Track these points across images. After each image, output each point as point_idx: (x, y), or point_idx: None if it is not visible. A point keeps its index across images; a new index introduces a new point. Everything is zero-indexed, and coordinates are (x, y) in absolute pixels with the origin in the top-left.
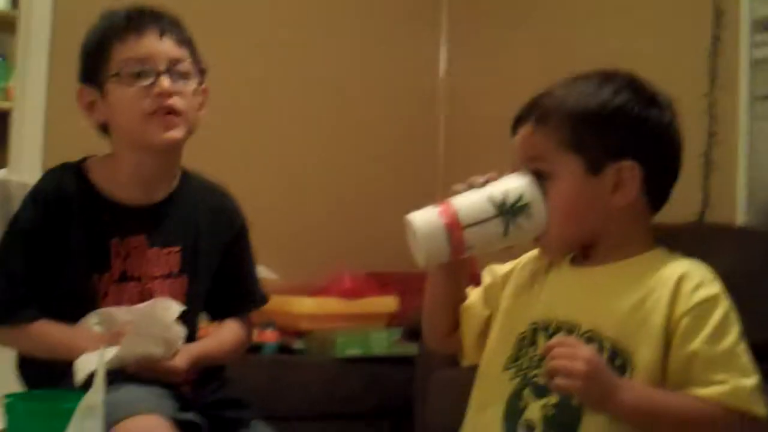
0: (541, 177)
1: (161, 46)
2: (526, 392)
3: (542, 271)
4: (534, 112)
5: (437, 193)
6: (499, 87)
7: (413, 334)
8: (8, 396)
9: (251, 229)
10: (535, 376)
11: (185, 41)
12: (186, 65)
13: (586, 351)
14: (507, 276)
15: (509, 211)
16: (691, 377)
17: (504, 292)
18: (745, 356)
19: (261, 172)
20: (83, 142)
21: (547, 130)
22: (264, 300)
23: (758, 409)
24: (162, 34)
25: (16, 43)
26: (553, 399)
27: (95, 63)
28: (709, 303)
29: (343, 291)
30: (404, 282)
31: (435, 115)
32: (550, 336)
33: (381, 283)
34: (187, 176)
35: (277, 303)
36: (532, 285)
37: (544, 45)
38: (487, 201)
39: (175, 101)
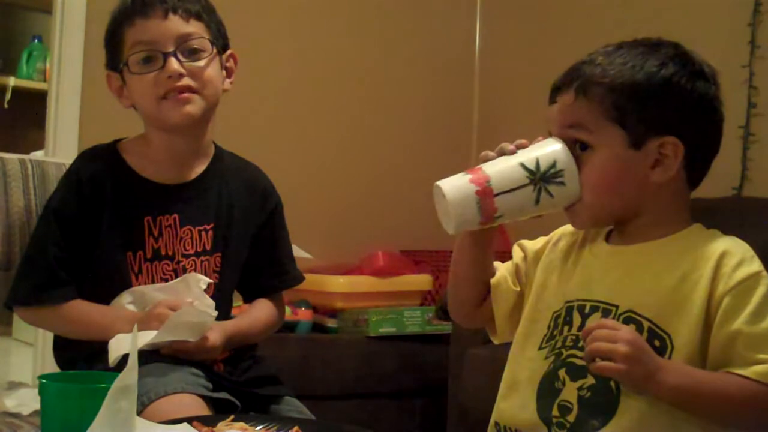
0: (579, 146)
1: (167, 26)
2: (562, 373)
3: (575, 248)
4: (575, 80)
5: None
6: (533, 63)
7: (447, 312)
8: (42, 377)
9: (285, 208)
10: (571, 356)
11: (196, 14)
12: (198, 40)
13: (627, 332)
14: (539, 252)
15: (542, 177)
16: (732, 356)
17: (536, 269)
18: None
19: (294, 151)
20: (118, 124)
21: (590, 99)
22: (298, 279)
23: None
24: (167, 13)
25: (52, 24)
26: (590, 380)
27: (113, 50)
28: (751, 281)
29: (377, 269)
30: (438, 260)
31: (469, 94)
32: (586, 316)
33: (414, 261)
34: (220, 154)
35: (311, 282)
36: (565, 262)
37: (578, 16)
38: (520, 167)
39: (186, 82)
